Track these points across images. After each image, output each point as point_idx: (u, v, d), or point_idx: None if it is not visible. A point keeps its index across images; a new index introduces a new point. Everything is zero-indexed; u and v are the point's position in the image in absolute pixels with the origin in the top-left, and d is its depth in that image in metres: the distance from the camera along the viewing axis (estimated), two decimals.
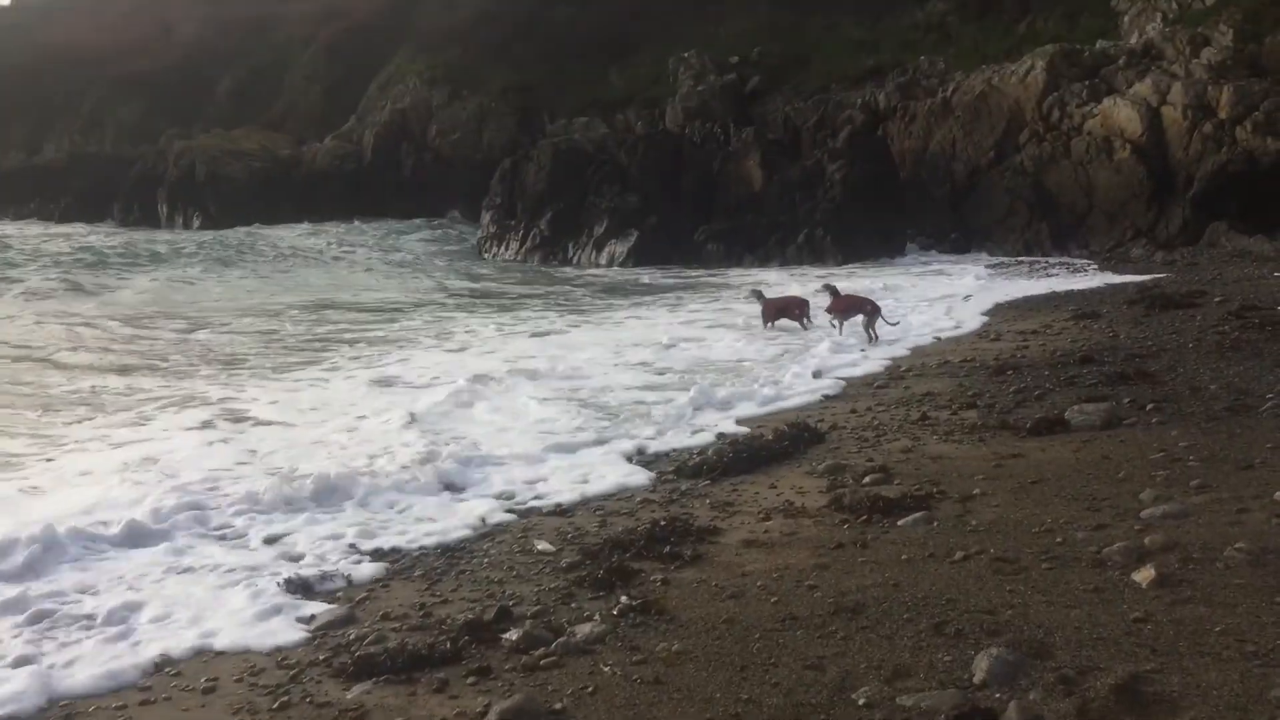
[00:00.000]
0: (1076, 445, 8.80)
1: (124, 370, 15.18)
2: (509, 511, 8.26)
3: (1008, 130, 32.51)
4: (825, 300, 17.29)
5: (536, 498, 8.64)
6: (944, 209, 32.67)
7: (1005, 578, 5.91)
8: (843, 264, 29.25)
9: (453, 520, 8.01)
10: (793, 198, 32.09)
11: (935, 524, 7.02)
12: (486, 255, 35.54)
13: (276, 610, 6.26)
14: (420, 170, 46.97)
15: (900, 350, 15.35)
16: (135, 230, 47.28)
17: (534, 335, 18.29)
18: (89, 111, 64.76)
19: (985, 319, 18.39)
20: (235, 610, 6.29)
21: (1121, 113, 30.58)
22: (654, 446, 10.05)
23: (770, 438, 9.57)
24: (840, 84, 39.15)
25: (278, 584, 6.66)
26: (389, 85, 51.65)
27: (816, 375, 13.29)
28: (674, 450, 9.84)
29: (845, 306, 16.87)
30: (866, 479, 8.27)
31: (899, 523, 7.09)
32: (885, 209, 31.32)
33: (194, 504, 8.17)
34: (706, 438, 10.21)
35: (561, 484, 8.92)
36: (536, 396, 12.18)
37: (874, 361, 14.37)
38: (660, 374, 13.84)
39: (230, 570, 6.99)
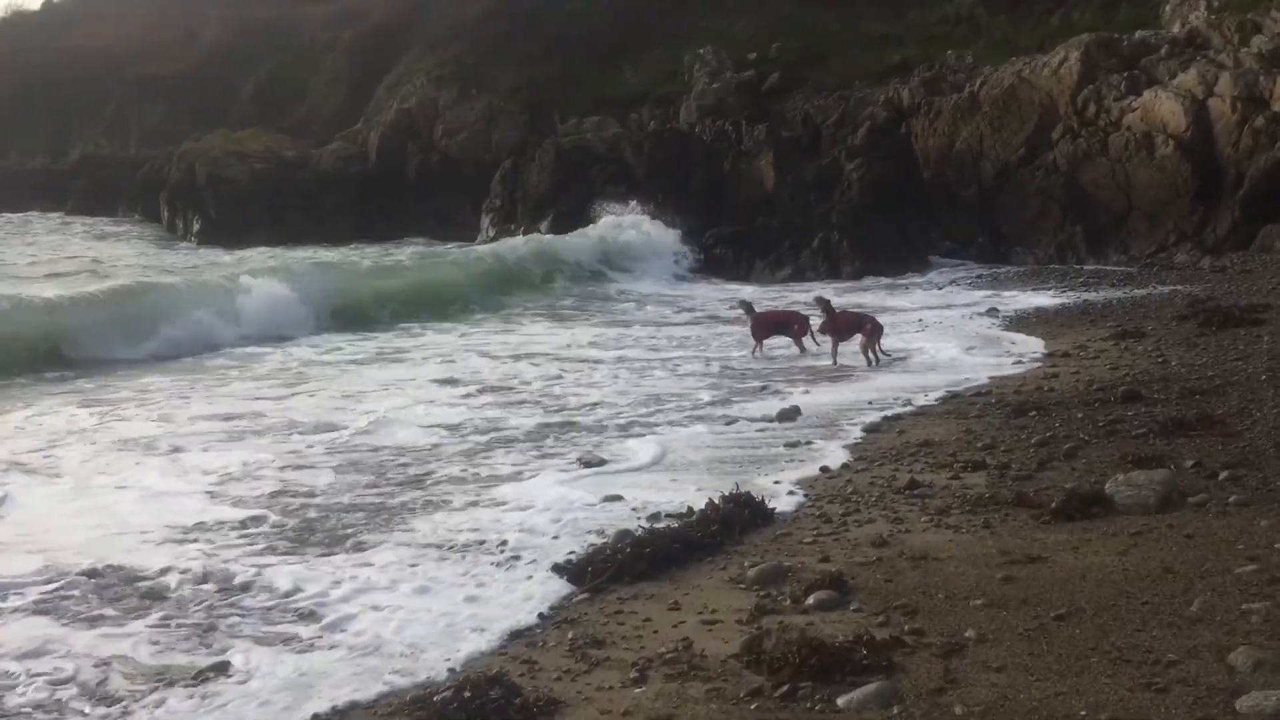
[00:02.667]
0: (1123, 543, 6.06)
1: None
2: None
3: (1039, 126, 30.00)
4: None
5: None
6: (970, 211, 30.21)
7: None
8: (860, 275, 26.49)
9: None
10: (807, 199, 29.68)
11: (896, 710, 4.32)
12: None
13: None
14: (427, 172, 44.78)
15: (906, 377, 12.71)
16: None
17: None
18: (113, 115, 63.83)
19: (1007, 338, 15.69)
20: None
21: (1164, 106, 28.09)
22: None
23: (694, 519, 6.86)
24: (863, 80, 36.89)
25: None
26: (397, 86, 49.68)
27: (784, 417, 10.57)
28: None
29: (842, 325, 14.31)
30: (810, 599, 5.56)
31: (839, 702, 4.41)
32: (907, 212, 28.95)
33: None
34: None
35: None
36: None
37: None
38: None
39: None
